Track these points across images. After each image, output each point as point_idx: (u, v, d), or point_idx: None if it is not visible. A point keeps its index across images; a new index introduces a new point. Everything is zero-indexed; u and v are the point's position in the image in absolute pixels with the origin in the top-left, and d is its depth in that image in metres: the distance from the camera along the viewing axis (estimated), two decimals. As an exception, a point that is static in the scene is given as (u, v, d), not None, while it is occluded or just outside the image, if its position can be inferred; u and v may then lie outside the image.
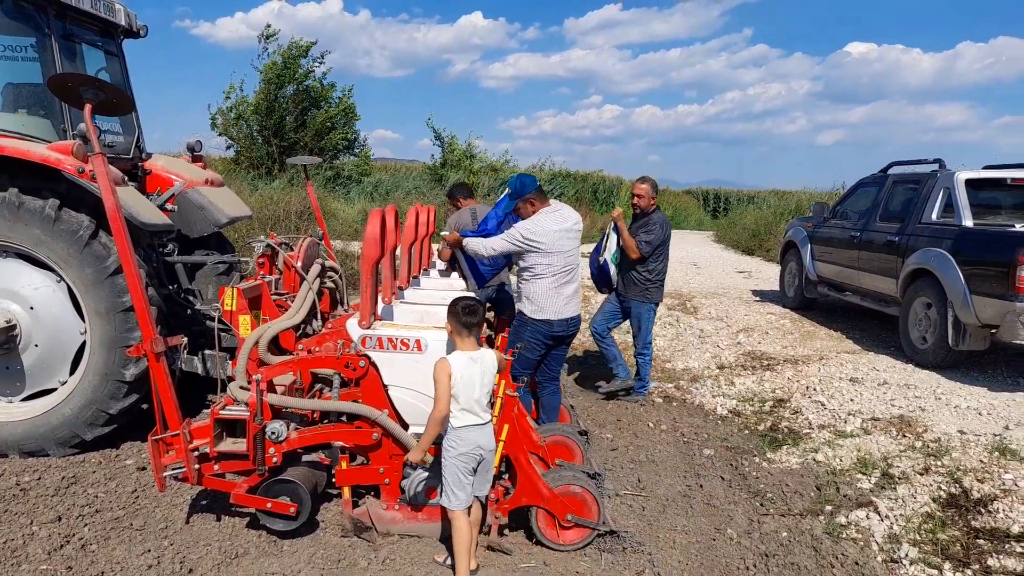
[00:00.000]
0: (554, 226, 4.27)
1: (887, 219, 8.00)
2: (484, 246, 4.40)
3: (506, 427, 3.48)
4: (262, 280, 4.79)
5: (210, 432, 3.39)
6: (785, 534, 3.83)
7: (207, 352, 4.81)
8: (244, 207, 5.98)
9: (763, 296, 11.29)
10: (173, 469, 3.40)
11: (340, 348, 3.54)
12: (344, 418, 3.56)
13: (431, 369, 3.25)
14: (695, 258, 17.08)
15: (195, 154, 6.09)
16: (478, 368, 3.15)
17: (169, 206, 5.42)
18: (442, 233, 4.90)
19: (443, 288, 4.99)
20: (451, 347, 3.31)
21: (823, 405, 5.86)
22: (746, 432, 5.39)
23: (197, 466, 3.41)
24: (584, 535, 3.56)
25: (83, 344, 4.43)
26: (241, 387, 3.58)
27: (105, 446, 4.53)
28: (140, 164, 5.60)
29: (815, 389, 6.25)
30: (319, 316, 4.89)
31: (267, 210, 13.79)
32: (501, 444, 3.46)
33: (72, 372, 4.48)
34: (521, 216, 4.46)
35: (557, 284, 4.31)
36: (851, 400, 5.93)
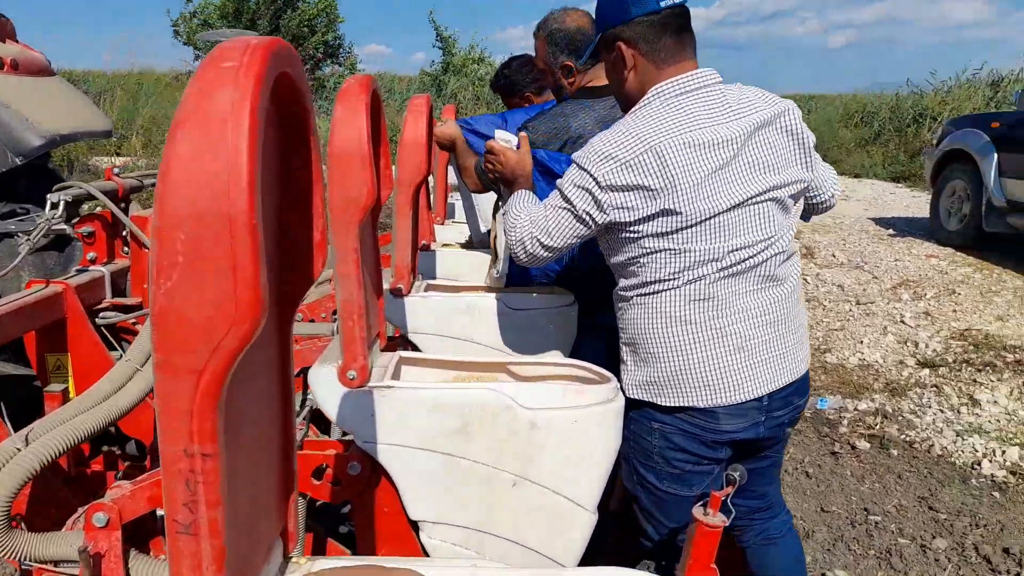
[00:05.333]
0: (696, 134, 1.43)
1: None
2: (519, 225, 1.61)
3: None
4: (72, 276, 2.28)
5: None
6: None
7: None
8: (94, 116, 3.43)
9: (896, 227, 8.40)
10: None
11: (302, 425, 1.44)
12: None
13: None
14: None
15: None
16: None
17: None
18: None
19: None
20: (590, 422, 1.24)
21: None
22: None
23: None
24: None
25: None
26: None
27: None
28: None
29: None
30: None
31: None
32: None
33: None
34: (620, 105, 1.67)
35: (713, 308, 1.48)
36: None
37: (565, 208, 1.51)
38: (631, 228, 1.46)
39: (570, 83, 2.01)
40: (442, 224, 3.27)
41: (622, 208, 1.45)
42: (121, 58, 28.23)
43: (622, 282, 1.57)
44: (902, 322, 5.28)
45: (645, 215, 1.44)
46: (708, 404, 1.49)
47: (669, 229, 1.44)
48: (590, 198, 1.46)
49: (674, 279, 1.47)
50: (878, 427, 3.74)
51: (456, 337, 1.97)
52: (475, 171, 2.19)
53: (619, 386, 1.45)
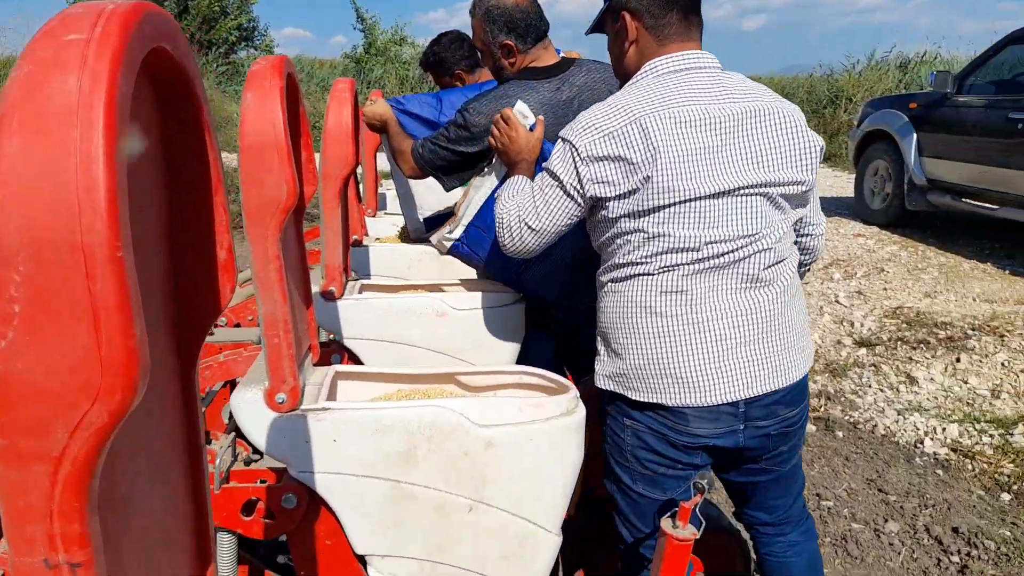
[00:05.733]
0: (685, 110, 1.32)
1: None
2: (507, 210, 1.49)
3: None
4: None
5: None
6: None
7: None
8: None
9: (823, 207, 8.25)
10: None
11: (219, 468, 1.27)
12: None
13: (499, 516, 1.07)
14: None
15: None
16: None
17: None
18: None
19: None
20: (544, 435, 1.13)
21: None
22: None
23: None
24: None
25: None
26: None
27: None
28: None
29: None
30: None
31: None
32: None
33: None
34: (618, 75, 1.54)
35: (687, 302, 1.35)
36: None
37: (553, 184, 1.41)
38: (608, 205, 1.36)
39: (511, 63, 1.87)
40: (374, 216, 3.08)
41: (601, 182, 1.35)
42: (4, 42, 26.26)
43: (600, 267, 1.48)
44: (837, 302, 5.33)
45: (623, 191, 1.34)
46: (676, 403, 1.36)
47: (645, 208, 1.33)
48: (574, 170, 1.37)
49: (646, 263, 1.35)
50: (823, 409, 3.74)
51: (396, 341, 1.82)
52: (412, 154, 2.00)
53: (578, 395, 1.34)
